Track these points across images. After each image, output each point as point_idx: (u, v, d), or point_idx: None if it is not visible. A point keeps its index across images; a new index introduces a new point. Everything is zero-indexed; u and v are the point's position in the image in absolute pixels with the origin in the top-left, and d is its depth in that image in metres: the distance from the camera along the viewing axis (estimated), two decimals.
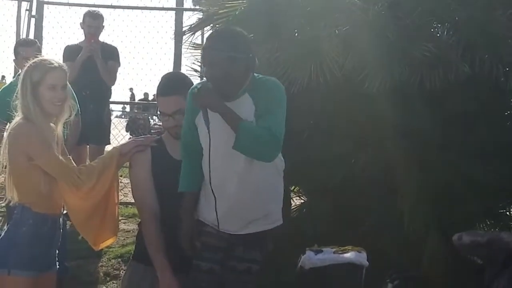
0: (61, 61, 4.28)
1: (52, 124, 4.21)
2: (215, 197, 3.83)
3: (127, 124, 19.18)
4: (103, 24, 8.56)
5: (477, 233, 4.95)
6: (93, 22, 8.38)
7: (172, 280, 4.00)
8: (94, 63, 8.26)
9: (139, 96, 24.20)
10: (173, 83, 4.24)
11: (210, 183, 3.83)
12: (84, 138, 8.09)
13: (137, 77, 10.89)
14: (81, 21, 8.50)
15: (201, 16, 7.23)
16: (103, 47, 8.46)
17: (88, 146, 8.39)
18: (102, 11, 8.77)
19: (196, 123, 3.89)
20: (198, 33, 7.23)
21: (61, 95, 4.11)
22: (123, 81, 8.64)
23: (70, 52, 8.41)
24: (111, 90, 8.93)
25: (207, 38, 3.96)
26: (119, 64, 8.66)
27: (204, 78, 3.92)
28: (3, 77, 21.94)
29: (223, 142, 3.74)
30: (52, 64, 4.12)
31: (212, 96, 3.74)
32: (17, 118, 4.11)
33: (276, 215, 4.04)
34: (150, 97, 21.49)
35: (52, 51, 10.89)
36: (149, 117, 19.57)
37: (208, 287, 3.98)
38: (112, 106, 9.57)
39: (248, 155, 3.77)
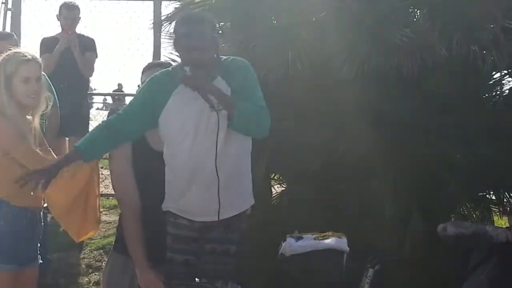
0: (35, 54, 4.25)
1: (28, 117, 4.17)
2: (218, 178, 3.77)
3: (107, 116, 19.09)
4: (80, 16, 8.50)
5: (462, 225, 4.97)
6: (69, 14, 8.32)
7: (149, 274, 3.99)
8: (71, 55, 8.20)
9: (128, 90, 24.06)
10: (154, 62, 4.25)
11: (216, 163, 3.77)
12: (63, 130, 8.02)
13: (115, 68, 10.82)
14: (57, 13, 8.44)
15: (177, 6, 7.20)
16: (80, 38, 8.39)
17: (67, 138, 8.34)
18: (78, 2, 8.68)
19: (164, 108, 3.84)
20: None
21: (35, 87, 4.09)
22: (104, 73, 8.56)
23: (47, 44, 8.35)
24: (89, 81, 8.88)
25: (183, 23, 3.88)
26: (96, 55, 8.60)
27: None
28: None
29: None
30: (26, 56, 4.10)
31: (207, 78, 3.74)
32: None
33: (250, 194, 4.04)
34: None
35: (31, 44, 10.84)
36: None
37: (184, 279, 3.98)
38: (94, 98, 9.51)
39: (245, 132, 3.81)
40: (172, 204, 3.95)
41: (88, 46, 8.42)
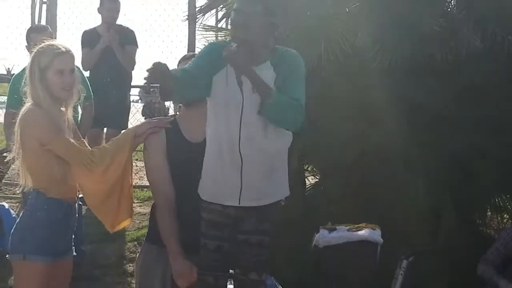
0: (69, 46, 4.26)
1: (62, 108, 4.20)
2: (242, 159, 3.78)
3: (143, 109, 19.16)
4: (120, 8, 8.55)
5: (487, 270, 5.30)
6: (111, 6, 8.36)
7: (183, 265, 3.99)
8: (113, 49, 8.24)
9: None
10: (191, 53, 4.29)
11: (239, 144, 3.76)
12: (103, 122, 8.14)
13: (150, 60, 10.87)
14: (99, 5, 8.48)
15: None
16: (120, 30, 8.44)
17: (105, 129, 8.40)
18: None
19: (213, 78, 3.82)
20: (209, 14, 7.23)
21: (69, 79, 4.10)
22: (137, 65, 8.62)
23: (88, 37, 8.41)
24: (131, 74, 8.96)
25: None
26: (137, 47, 8.62)
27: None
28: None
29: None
30: (60, 48, 4.11)
31: (247, 59, 3.69)
32: (27, 104, 4.10)
33: (285, 185, 4.04)
34: None
35: (65, 37, 10.92)
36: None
37: (217, 265, 3.99)
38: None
39: (273, 122, 3.77)
40: (203, 187, 3.97)
41: (128, 39, 8.46)
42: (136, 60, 8.62)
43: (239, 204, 3.87)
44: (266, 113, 3.69)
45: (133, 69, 8.77)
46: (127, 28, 8.71)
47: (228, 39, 4.38)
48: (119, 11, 8.47)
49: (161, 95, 3.60)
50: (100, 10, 8.45)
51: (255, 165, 3.81)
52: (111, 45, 8.19)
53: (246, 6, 3.77)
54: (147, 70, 3.50)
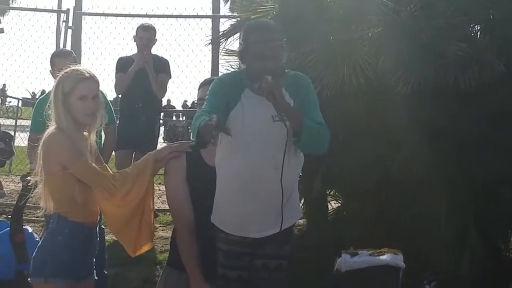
0: (93, 71, 4.28)
1: (85, 133, 4.23)
2: (267, 188, 3.79)
3: (165, 132, 19.25)
4: (155, 37, 8.63)
5: None
6: (144, 34, 8.45)
7: None
8: (146, 75, 8.32)
9: (175, 104, 24.29)
10: (210, 78, 4.42)
11: (265, 177, 3.77)
12: (132, 146, 8.21)
13: (173, 85, 10.93)
14: (134, 33, 8.59)
15: (233, 22, 7.26)
16: (154, 59, 8.52)
17: (134, 153, 8.45)
18: (137, 20, 8.82)
19: (232, 112, 3.80)
20: (232, 39, 7.27)
21: (92, 105, 4.12)
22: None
23: (122, 63, 8.52)
24: (161, 102, 9.05)
25: (256, 30, 3.86)
26: (170, 77, 8.74)
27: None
28: (43, 91, 22.23)
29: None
30: (83, 74, 4.13)
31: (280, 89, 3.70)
32: (51, 128, 4.13)
33: (298, 206, 4.05)
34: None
35: (89, 62, 11.02)
36: (188, 126, 19.61)
37: None
38: None
39: (307, 150, 3.82)
40: (222, 217, 3.97)
41: (162, 67, 8.55)
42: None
43: (262, 235, 3.88)
44: (302, 142, 3.69)
45: (163, 97, 8.90)
46: (162, 57, 8.84)
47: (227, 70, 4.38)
48: (152, 39, 8.55)
49: (200, 145, 3.60)
50: (135, 39, 8.55)
51: (279, 193, 3.81)
52: (145, 66, 8.27)
53: (271, 35, 3.78)
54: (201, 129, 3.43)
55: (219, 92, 3.86)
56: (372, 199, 6.05)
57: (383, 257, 4.88)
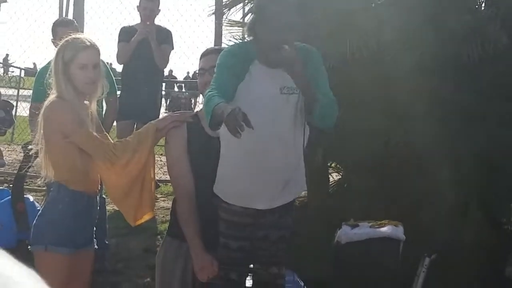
0: (94, 40, 4.26)
1: (86, 102, 4.21)
2: (272, 160, 3.74)
3: (168, 103, 19.23)
4: (159, 7, 8.61)
5: None
6: (148, 4, 8.43)
7: (204, 259, 3.99)
8: (148, 46, 8.32)
9: (178, 75, 24.28)
10: (212, 48, 4.37)
11: (269, 148, 3.72)
12: (134, 116, 8.22)
13: (176, 55, 10.92)
14: (137, 3, 8.56)
15: None
16: (157, 29, 8.51)
17: (135, 124, 8.45)
18: None
19: (241, 84, 3.74)
20: (234, 9, 7.24)
21: (92, 74, 4.10)
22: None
23: (125, 33, 8.51)
24: (163, 72, 9.03)
25: (274, 1, 3.74)
26: (172, 48, 8.73)
27: None
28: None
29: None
30: (84, 42, 4.11)
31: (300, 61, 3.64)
32: (51, 96, 4.12)
33: (304, 179, 4.02)
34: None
35: (91, 31, 11.00)
36: (191, 98, 19.58)
37: (239, 264, 3.99)
38: None
39: (319, 124, 3.78)
40: (227, 189, 3.95)
41: (164, 38, 8.54)
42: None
43: (269, 207, 3.87)
44: (315, 115, 3.66)
45: (165, 67, 8.90)
46: (165, 28, 8.80)
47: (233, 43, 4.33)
48: (155, 10, 8.52)
49: (214, 127, 3.56)
50: (138, 8, 8.53)
51: (284, 165, 3.79)
52: (148, 37, 8.26)
53: (291, 6, 3.74)
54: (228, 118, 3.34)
55: (227, 65, 3.80)
56: (373, 171, 6.04)
57: (384, 229, 4.89)
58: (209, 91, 3.69)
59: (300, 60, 3.61)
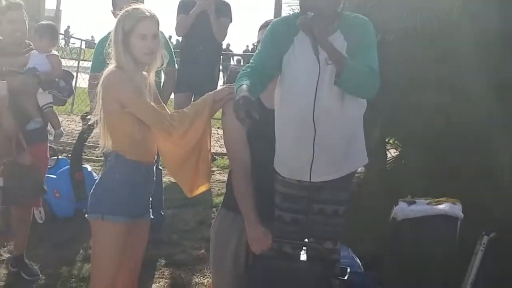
0: (154, 11, 4.26)
1: (144, 72, 4.22)
2: (315, 131, 3.69)
3: (225, 77, 19.24)
4: None
5: None
6: None
7: (259, 231, 3.98)
8: (207, 18, 8.33)
9: (237, 50, 24.29)
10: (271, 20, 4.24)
11: (314, 116, 3.67)
12: (192, 88, 8.25)
13: (234, 29, 10.89)
14: None
15: None
16: (216, 2, 8.50)
17: (193, 96, 8.47)
18: None
19: (285, 56, 3.76)
20: None
21: (151, 44, 4.10)
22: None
23: (184, 5, 8.54)
24: (221, 45, 9.03)
25: None
26: (230, 21, 8.73)
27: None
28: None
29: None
30: (144, 13, 4.11)
31: (323, 28, 3.62)
32: (110, 66, 4.13)
33: (364, 154, 3.97)
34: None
35: (151, 2, 11.01)
36: None
37: (293, 237, 3.99)
38: None
39: (350, 92, 3.68)
40: (280, 162, 3.94)
41: (223, 11, 8.54)
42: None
43: (322, 180, 3.84)
44: (342, 82, 3.58)
45: (223, 40, 8.89)
46: (224, 1, 8.78)
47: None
48: None
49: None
50: None
51: (331, 138, 3.73)
52: (207, 9, 8.26)
53: None
54: (236, 104, 3.45)
55: (270, 39, 3.82)
56: (432, 147, 5.96)
57: (441, 206, 4.83)
58: (243, 69, 3.78)
59: (319, 25, 3.57)
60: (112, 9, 6.70)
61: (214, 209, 7.48)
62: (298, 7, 6.48)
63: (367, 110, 3.90)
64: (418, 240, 4.79)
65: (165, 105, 4.52)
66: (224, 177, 8.16)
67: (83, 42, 19.14)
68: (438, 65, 5.78)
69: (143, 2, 6.00)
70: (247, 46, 21.88)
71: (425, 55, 5.77)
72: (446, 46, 5.71)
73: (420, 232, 4.79)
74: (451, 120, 5.75)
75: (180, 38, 9.51)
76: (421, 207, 4.86)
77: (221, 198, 7.10)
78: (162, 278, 5.97)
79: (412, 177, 5.92)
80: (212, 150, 4.44)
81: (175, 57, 7.18)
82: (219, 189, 8.13)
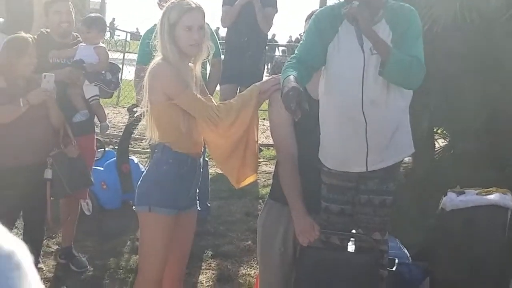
0: (199, 2, 4.25)
1: (190, 64, 4.22)
2: (366, 122, 3.66)
3: (271, 67, 19.21)
4: None
5: None
6: None
7: (306, 222, 3.95)
8: (252, 9, 8.31)
9: (281, 40, 24.25)
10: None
11: (363, 106, 3.64)
12: (237, 80, 8.25)
13: (279, 19, 10.86)
14: None
15: None
16: None
17: (238, 87, 8.48)
18: None
19: (330, 45, 3.74)
20: None
21: (197, 36, 4.09)
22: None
23: None
24: (267, 36, 9.02)
25: None
26: (276, 11, 8.70)
27: None
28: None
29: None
30: (190, 4, 4.10)
31: (368, 17, 3.60)
32: (156, 58, 4.13)
33: (410, 143, 3.93)
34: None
35: None
36: None
37: (341, 229, 3.96)
38: None
39: (395, 82, 3.65)
40: (325, 154, 3.92)
41: (269, 1, 8.52)
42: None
43: (366, 169, 3.81)
44: (387, 73, 3.56)
45: (268, 31, 8.87)
46: None
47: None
48: None
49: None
50: None
51: (379, 127, 3.71)
52: (252, 0, 8.24)
53: None
54: (285, 95, 3.40)
55: (315, 30, 3.81)
56: (481, 138, 5.89)
57: (491, 197, 4.76)
58: (288, 60, 3.77)
59: (364, 14, 3.54)
60: (158, 0, 6.71)
61: (261, 200, 7.48)
62: None
63: (415, 100, 3.87)
64: (468, 231, 4.73)
65: (211, 96, 4.52)
66: (271, 168, 8.16)
67: (129, 35, 19.28)
68: (487, 56, 5.70)
69: None
70: (290, 36, 21.84)
71: (474, 45, 5.70)
72: (495, 37, 5.63)
73: (470, 222, 4.73)
74: (499, 111, 5.67)
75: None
76: (471, 198, 4.80)
77: (267, 189, 7.09)
78: (209, 269, 5.98)
79: (461, 167, 5.86)
80: (259, 141, 4.41)
81: (221, 48, 7.19)
82: (265, 180, 8.13)
